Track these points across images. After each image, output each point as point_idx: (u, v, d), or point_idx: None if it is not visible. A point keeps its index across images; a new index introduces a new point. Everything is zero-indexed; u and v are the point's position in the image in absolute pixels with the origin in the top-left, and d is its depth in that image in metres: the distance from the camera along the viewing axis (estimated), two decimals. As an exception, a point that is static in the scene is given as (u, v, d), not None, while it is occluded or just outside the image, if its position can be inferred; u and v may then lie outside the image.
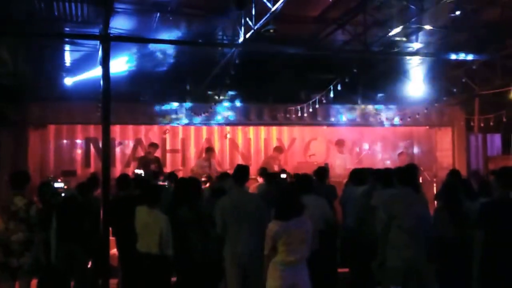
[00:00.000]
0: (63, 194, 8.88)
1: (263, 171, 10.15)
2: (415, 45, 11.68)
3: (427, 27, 10.45)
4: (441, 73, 13.01)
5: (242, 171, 6.83)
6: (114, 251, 8.02)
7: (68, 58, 12.58)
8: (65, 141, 13.89)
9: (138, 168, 12.36)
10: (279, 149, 14.05)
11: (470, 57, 10.65)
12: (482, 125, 13.66)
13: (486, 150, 15.24)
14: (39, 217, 6.58)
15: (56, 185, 10.20)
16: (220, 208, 6.52)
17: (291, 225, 5.36)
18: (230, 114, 13.84)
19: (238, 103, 13.88)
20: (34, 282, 6.84)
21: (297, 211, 5.48)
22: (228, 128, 14.52)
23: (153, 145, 13.18)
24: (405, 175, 6.31)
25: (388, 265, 6.01)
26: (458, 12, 8.45)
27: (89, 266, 7.70)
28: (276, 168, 12.86)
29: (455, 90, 13.35)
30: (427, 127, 15.39)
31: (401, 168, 6.74)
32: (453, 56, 10.61)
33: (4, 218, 6.37)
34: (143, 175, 11.23)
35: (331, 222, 7.25)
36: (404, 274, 5.94)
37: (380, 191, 7.09)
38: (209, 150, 13.41)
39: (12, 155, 12.07)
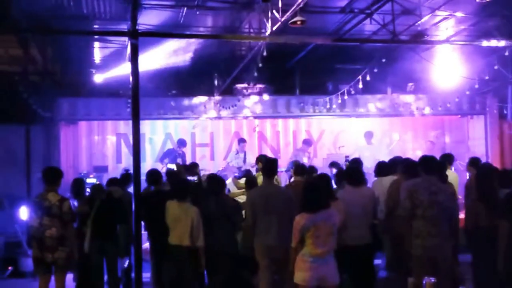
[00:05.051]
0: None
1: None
2: (445, 33, 11.47)
3: (457, 14, 10.26)
4: (472, 61, 12.76)
5: (270, 164, 6.88)
6: (146, 245, 8.09)
7: (97, 55, 12.71)
8: (96, 137, 14.09)
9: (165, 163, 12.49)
10: (307, 142, 13.96)
11: (502, 43, 10.42)
12: (515, 112, 13.41)
13: (520, 138, 14.95)
14: (72, 212, 6.70)
15: (89, 181, 10.32)
16: (250, 200, 6.59)
17: (318, 217, 5.35)
18: (258, 107, 13.79)
19: (266, 96, 13.82)
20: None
21: (324, 203, 5.46)
22: (256, 121, 14.52)
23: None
24: (429, 164, 6.23)
25: (412, 253, 5.98)
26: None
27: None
28: (306, 161, 12.80)
29: (487, 77, 13.09)
30: (459, 116, 15.14)
31: (426, 157, 6.66)
32: (484, 43, 10.39)
33: (38, 214, 6.50)
34: (175, 169, 11.30)
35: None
36: (427, 263, 5.89)
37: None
38: (242, 141, 13.39)
39: (44, 151, 12.28)
